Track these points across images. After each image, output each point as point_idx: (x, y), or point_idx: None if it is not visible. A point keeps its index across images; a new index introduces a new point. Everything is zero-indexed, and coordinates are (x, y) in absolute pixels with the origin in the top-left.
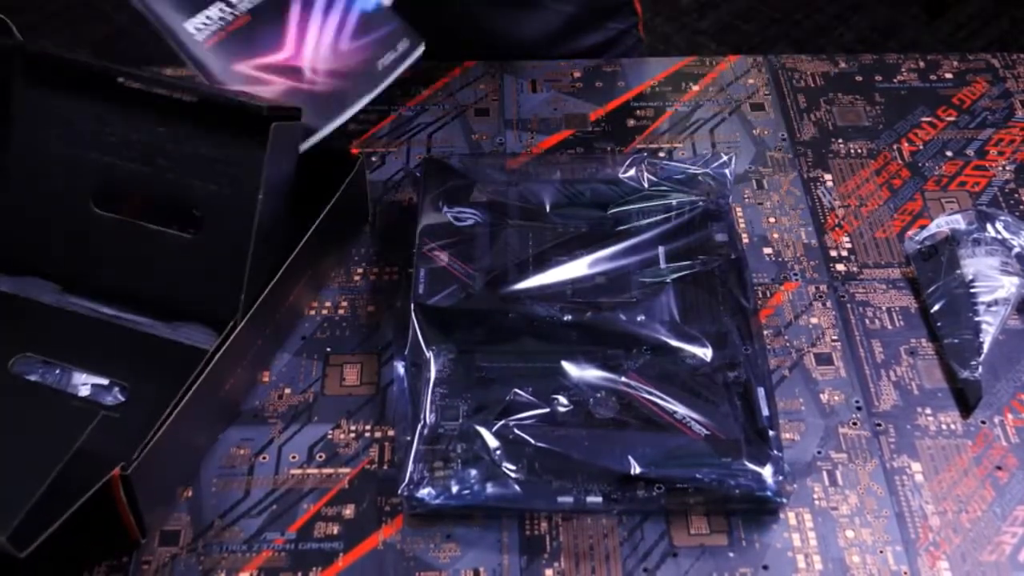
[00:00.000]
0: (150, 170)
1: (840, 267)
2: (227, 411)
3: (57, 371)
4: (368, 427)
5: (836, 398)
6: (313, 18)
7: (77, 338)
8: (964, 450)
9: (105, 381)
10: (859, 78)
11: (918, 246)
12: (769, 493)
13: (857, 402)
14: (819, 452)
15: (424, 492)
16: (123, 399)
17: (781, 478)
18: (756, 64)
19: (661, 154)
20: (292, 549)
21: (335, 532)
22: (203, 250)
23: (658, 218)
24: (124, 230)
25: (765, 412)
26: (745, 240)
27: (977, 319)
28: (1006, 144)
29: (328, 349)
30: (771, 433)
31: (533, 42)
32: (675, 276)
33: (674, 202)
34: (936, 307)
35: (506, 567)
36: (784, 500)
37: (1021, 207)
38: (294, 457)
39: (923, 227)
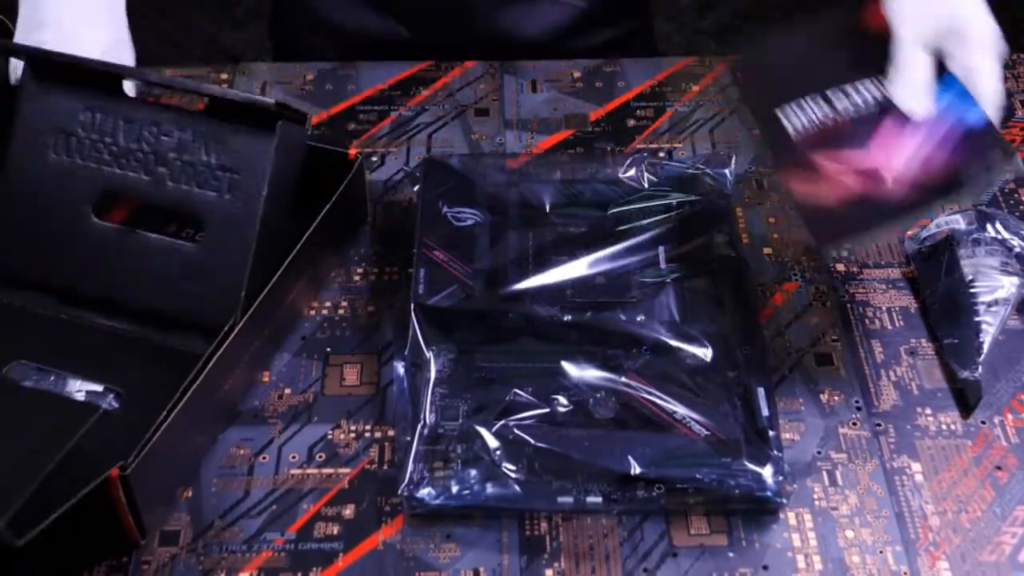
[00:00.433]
0: (151, 178)
1: (840, 267)
2: (226, 411)
3: (51, 378)
4: (368, 427)
5: (836, 398)
6: (910, 128)
7: (71, 345)
8: (964, 450)
9: (99, 387)
10: None
11: (918, 246)
12: (769, 493)
13: (857, 402)
14: (819, 452)
15: (424, 492)
16: (117, 405)
17: (781, 478)
18: None
19: (661, 154)
20: (292, 549)
21: (335, 532)
22: (202, 258)
23: (658, 218)
24: (122, 239)
25: (765, 412)
26: (745, 240)
27: (977, 319)
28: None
29: (328, 349)
30: (771, 433)
31: (545, 38)
32: (675, 276)
33: (674, 202)
34: (936, 307)
35: (506, 567)
36: (784, 500)
37: (1021, 207)
38: (294, 457)
39: (923, 227)
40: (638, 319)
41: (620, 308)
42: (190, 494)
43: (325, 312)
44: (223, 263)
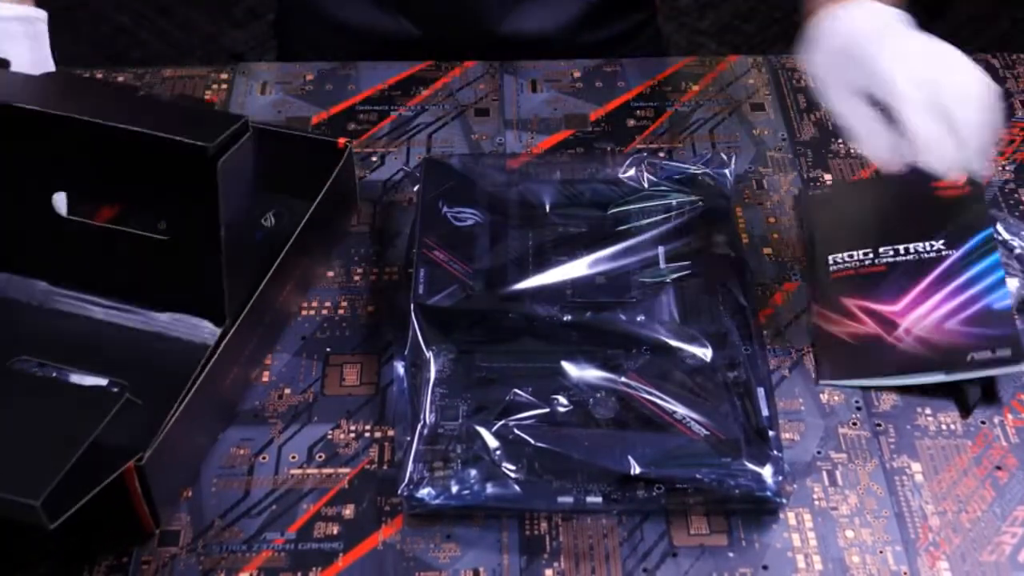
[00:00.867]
0: (107, 188)
1: None
2: (225, 411)
3: (53, 373)
4: (368, 427)
5: (836, 398)
6: (939, 293)
7: (70, 338)
8: (964, 450)
9: (104, 381)
10: None
11: None
12: (769, 493)
13: (857, 402)
14: (819, 452)
15: (424, 492)
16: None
17: (781, 478)
18: (756, 64)
19: (661, 154)
20: (292, 549)
21: (335, 532)
22: (183, 247)
23: (658, 218)
24: (96, 234)
25: (765, 412)
26: (745, 240)
27: None
28: (1006, 144)
29: (328, 349)
30: (771, 433)
31: (556, 33)
32: (675, 276)
33: (674, 202)
34: None
35: (506, 567)
36: (784, 500)
37: (1021, 207)
38: (294, 457)
39: None
40: (638, 319)
41: (620, 308)
42: (190, 494)
43: (325, 312)
44: (197, 256)
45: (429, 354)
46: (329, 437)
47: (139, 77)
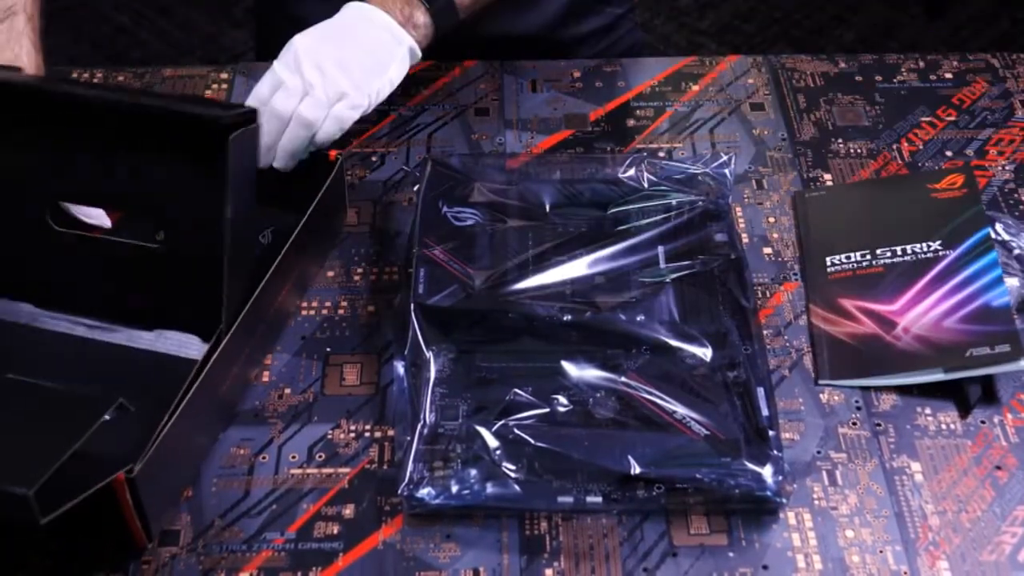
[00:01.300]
0: (105, 187)
1: None
2: (224, 413)
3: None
4: (368, 427)
5: (836, 398)
6: (936, 291)
7: (58, 357)
8: (964, 450)
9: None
10: (859, 78)
11: None
12: (769, 493)
13: (857, 402)
14: (819, 452)
15: (424, 492)
16: (111, 416)
17: (781, 478)
18: (756, 64)
19: (661, 154)
20: (292, 549)
21: (335, 532)
22: (173, 259)
23: (658, 218)
24: (90, 246)
25: (765, 412)
26: (745, 240)
27: None
28: (1006, 144)
29: (328, 349)
30: (771, 433)
31: (536, 30)
32: (675, 276)
33: (674, 202)
34: None
35: (506, 567)
36: (784, 500)
37: (1021, 207)
38: (294, 457)
39: None
40: (638, 319)
41: (620, 308)
42: (190, 494)
43: (325, 312)
44: (197, 262)
45: (429, 354)
46: (329, 437)
47: (139, 77)
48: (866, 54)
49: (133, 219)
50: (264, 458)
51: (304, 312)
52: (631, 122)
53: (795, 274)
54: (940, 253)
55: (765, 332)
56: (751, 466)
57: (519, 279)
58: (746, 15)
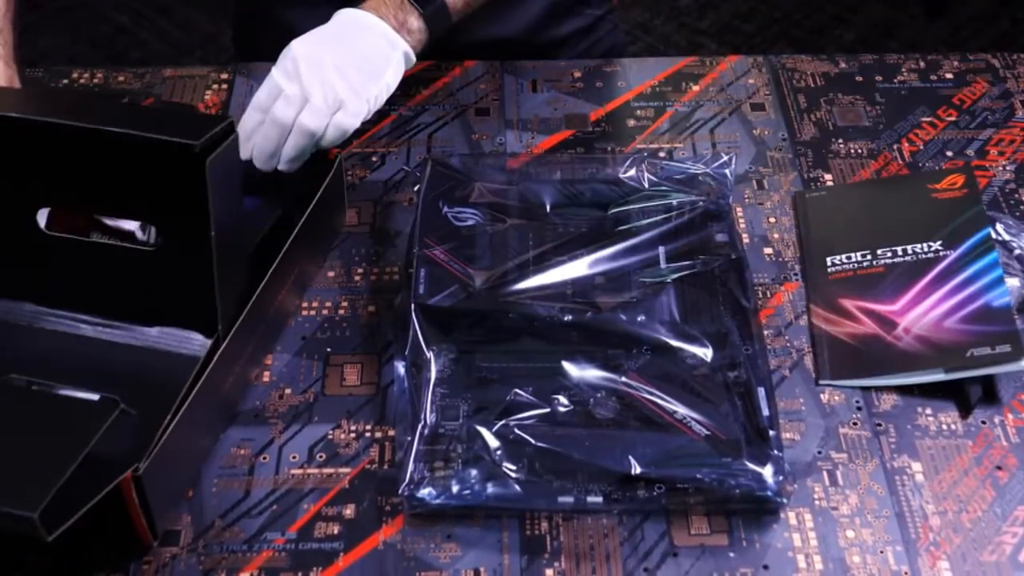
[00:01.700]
0: (98, 192)
1: None
2: (226, 411)
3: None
4: (368, 427)
5: (836, 398)
6: (937, 291)
7: (59, 356)
8: (964, 450)
9: (95, 397)
10: (859, 78)
11: None
12: (769, 493)
13: (857, 402)
14: (819, 452)
15: (424, 492)
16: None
17: (781, 478)
18: (756, 64)
19: (661, 154)
20: (292, 549)
21: (335, 532)
22: (170, 257)
23: (658, 218)
24: (81, 249)
25: (765, 412)
26: (745, 240)
27: None
28: (1006, 144)
29: (328, 349)
30: (771, 433)
31: (517, 33)
32: (675, 276)
33: (674, 202)
34: None
35: (506, 567)
36: (784, 500)
37: (1021, 207)
38: (294, 457)
39: None
40: (638, 319)
41: (620, 308)
42: (191, 494)
43: (325, 312)
44: (192, 263)
45: (430, 354)
46: (330, 437)
47: (139, 77)
48: (866, 54)
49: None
50: (265, 458)
51: (304, 312)
52: (631, 122)
53: (796, 274)
54: (941, 253)
55: (766, 332)
56: (752, 466)
57: (519, 279)
58: (746, 15)
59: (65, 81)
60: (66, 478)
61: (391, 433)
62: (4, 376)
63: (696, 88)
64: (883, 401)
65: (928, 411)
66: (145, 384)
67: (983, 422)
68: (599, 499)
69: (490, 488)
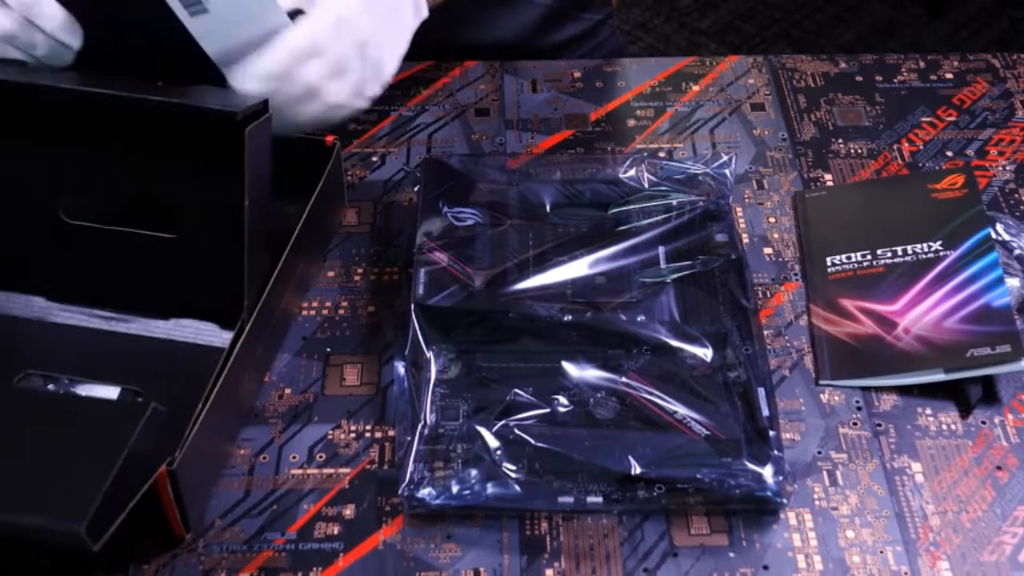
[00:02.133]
0: (121, 179)
1: None
2: (243, 414)
3: (62, 388)
4: (368, 427)
5: (836, 398)
6: (937, 291)
7: (74, 350)
8: (964, 450)
9: (116, 390)
10: (859, 78)
11: None
12: (769, 493)
13: (857, 402)
14: (819, 452)
15: (424, 492)
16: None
17: (781, 478)
18: (756, 64)
19: (661, 154)
20: (292, 549)
21: (335, 532)
22: (191, 247)
23: (658, 218)
24: (104, 236)
25: (765, 412)
26: (745, 240)
27: None
28: (1006, 144)
29: (328, 349)
30: (771, 433)
31: (513, 38)
32: (675, 276)
33: (674, 202)
34: None
35: (506, 567)
36: (784, 500)
37: (1021, 207)
38: (294, 457)
39: None
40: (638, 319)
41: (620, 308)
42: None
43: (325, 312)
44: (213, 253)
45: (429, 354)
46: (329, 437)
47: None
48: (866, 54)
49: (148, 209)
50: (264, 458)
51: (304, 312)
52: (631, 122)
53: (795, 274)
54: (941, 253)
55: (765, 332)
56: (752, 466)
57: (519, 279)
58: (746, 15)
59: None
60: (108, 485)
61: (391, 433)
62: (20, 373)
63: (696, 88)
64: (883, 401)
65: (928, 411)
66: (164, 376)
67: (983, 422)
68: (599, 499)
69: (490, 488)
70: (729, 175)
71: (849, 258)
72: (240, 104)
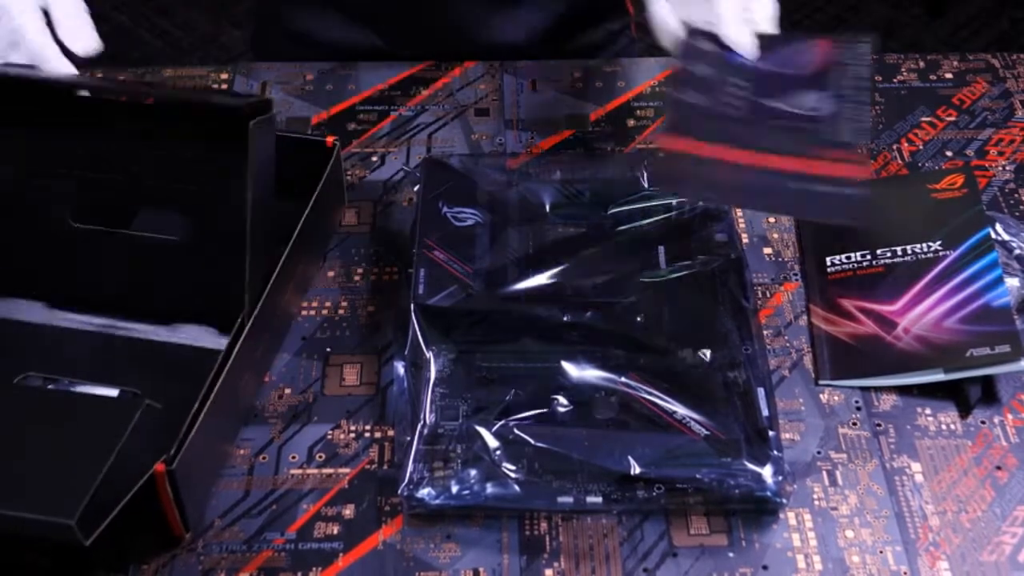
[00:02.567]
0: (126, 178)
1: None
2: (242, 413)
3: (63, 386)
4: (368, 427)
5: (836, 398)
6: (936, 291)
7: (74, 354)
8: (964, 450)
9: (115, 391)
10: None
11: None
12: (769, 493)
13: (857, 402)
14: (819, 452)
15: (424, 492)
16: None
17: (781, 478)
18: None
19: (661, 154)
20: (292, 549)
21: (335, 532)
22: (192, 250)
23: (658, 218)
24: (107, 241)
25: (765, 412)
26: (745, 240)
27: None
28: (1006, 144)
29: (328, 349)
30: (771, 433)
31: (526, 43)
32: (675, 276)
33: (674, 202)
34: None
35: (506, 567)
36: (784, 500)
37: (1021, 207)
38: (294, 457)
39: None
40: (638, 319)
41: (620, 308)
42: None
43: (325, 312)
44: (216, 252)
45: (429, 354)
46: (329, 437)
47: (139, 77)
48: None
49: (151, 211)
50: (264, 458)
51: (304, 312)
52: (631, 122)
53: (795, 274)
54: (940, 253)
55: (765, 332)
56: (751, 466)
57: (519, 279)
58: None
59: None
60: (99, 481)
61: (391, 433)
62: (21, 376)
63: None
64: (883, 401)
65: (928, 411)
66: (162, 378)
67: (983, 422)
68: (598, 499)
69: (490, 488)
70: None
71: (849, 258)
72: (244, 99)
